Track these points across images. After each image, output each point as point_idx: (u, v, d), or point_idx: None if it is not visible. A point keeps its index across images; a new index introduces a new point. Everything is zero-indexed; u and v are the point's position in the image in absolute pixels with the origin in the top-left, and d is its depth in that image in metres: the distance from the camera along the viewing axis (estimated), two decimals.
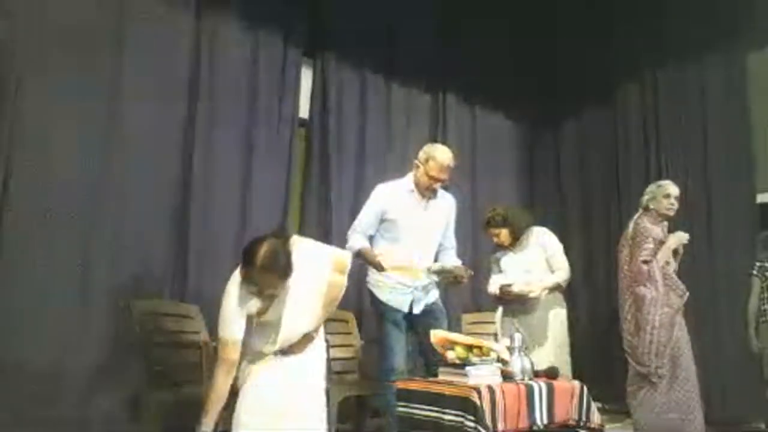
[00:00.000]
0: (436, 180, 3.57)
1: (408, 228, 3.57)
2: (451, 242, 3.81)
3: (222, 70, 4.31)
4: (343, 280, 2.67)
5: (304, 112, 4.85)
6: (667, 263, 3.97)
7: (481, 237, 5.42)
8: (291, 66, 4.70)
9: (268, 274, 2.40)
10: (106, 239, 3.67)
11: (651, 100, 5.55)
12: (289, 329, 2.55)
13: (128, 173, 3.78)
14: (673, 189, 4.06)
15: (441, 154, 3.57)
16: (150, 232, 3.87)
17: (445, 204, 3.76)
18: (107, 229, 3.69)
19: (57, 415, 3.26)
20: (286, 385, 2.55)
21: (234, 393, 2.59)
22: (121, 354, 3.52)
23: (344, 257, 2.76)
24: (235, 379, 2.58)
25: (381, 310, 3.57)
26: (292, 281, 2.49)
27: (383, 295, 3.57)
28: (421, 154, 3.61)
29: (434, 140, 5.57)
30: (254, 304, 2.49)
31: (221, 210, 4.22)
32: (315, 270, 2.60)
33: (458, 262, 3.71)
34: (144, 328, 3.47)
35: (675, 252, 4.04)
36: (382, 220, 3.59)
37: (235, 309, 2.46)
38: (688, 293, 3.95)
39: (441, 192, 3.72)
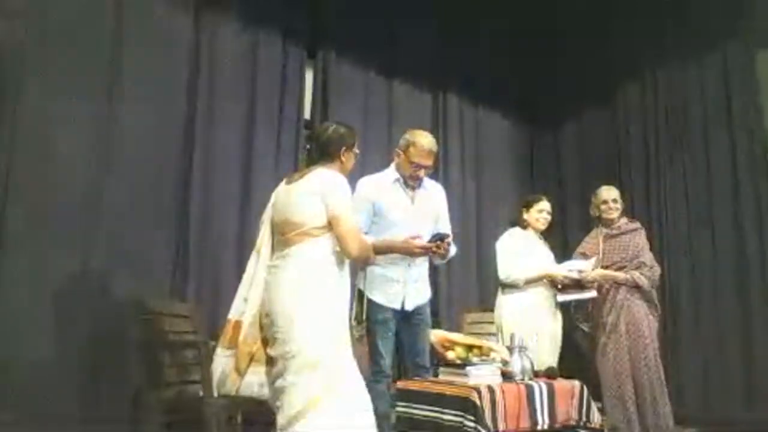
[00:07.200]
0: (420, 167, 3.32)
1: (397, 222, 3.30)
2: (446, 231, 3.45)
3: (222, 69, 4.31)
4: None
5: (305, 112, 4.84)
6: None
7: (483, 236, 5.44)
8: (293, 66, 4.70)
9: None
10: (106, 239, 3.67)
11: (651, 100, 5.54)
12: None
13: (128, 173, 3.77)
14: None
15: (422, 139, 3.33)
16: (150, 232, 3.87)
17: (435, 194, 3.49)
18: (107, 229, 3.68)
19: (57, 414, 3.26)
20: None
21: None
22: (121, 354, 3.52)
23: None
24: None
25: (368, 308, 3.25)
26: None
27: (373, 292, 3.26)
28: (402, 141, 3.38)
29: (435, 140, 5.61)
30: None
31: (221, 210, 4.22)
32: None
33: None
34: (144, 327, 3.47)
35: None
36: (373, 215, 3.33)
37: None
38: None
39: (429, 182, 3.46)
